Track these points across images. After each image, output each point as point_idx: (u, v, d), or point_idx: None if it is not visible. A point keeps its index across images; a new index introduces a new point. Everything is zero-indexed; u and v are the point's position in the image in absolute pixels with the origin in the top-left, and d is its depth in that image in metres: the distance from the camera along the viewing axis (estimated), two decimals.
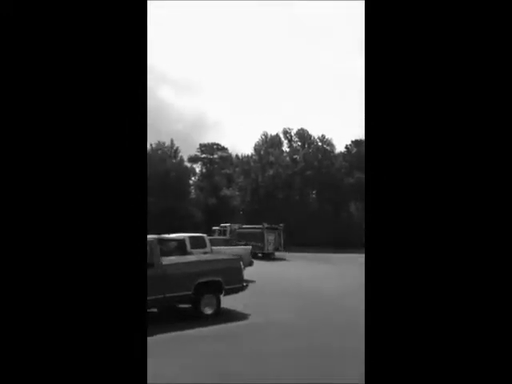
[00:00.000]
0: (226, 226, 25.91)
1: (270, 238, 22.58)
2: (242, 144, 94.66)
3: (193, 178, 52.37)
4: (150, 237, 10.05)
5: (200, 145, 53.90)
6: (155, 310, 7.98)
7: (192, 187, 50.87)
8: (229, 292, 7.99)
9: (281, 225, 24.78)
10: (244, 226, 25.05)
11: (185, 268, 7.78)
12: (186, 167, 49.85)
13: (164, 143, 47.48)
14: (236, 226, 25.71)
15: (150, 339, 6.02)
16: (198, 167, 53.79)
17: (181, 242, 11.12)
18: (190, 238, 12.96)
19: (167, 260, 7.79)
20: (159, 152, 46.03)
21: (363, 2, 2.50)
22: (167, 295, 7.24)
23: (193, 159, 52.79)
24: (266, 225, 24.29)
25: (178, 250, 11.00)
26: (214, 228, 26.67)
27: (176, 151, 48.01)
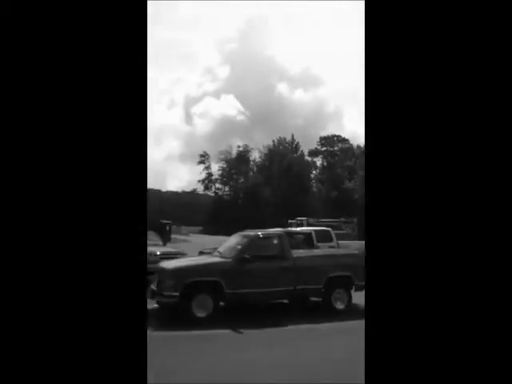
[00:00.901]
0: (302, 220, 26.44)
1: (347, 231, 23.63)
2: (363, 134, 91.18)
3: (314, 172, 52.47)
4: (278, 230, 10.37)
5: (320, 138, 53.71)
6: (286, 301, 8.19)
7: (313, 181, 51.02)
8: (360, 288, 7.76)
9: (354, 219, 26.21)
10: (320, 220, 26.45)
11: (315, 261, 7.80)
12: (307, 161, 50.19)
13: (285, 139, 48.56)
14: (312, 220, 26.58)
15: (278, 329, 6.31)
16: (318, 160, 53.72)
17: (307, 235, 11.21)
18: (316, 231, 12.98)
19: (297, 253, 7.91)
20: (281, 148, 47.26)
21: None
22: (298, 287, 7.36)
23: (313, 153, 52.86)
24: (343, 219, 26.39)
25: (305, 243, 11.13)
26: (291, 221, 27.35)
27: (297, 146, 48.71)
